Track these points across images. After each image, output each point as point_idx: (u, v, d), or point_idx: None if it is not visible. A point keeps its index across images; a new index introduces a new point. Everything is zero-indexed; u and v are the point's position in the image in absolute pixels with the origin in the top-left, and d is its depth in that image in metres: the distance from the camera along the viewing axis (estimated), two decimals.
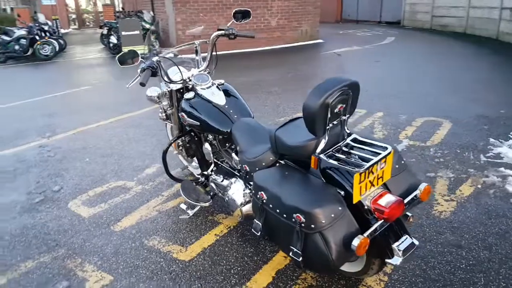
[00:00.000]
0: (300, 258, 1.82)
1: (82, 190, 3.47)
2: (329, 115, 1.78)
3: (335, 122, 1.85)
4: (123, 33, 11.29)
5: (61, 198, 3.34)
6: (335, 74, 8.35)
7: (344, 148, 1.90)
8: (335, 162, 1.80)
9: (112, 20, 14.76)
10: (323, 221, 1.73)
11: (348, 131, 1.95)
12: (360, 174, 1.72)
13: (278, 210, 1.88)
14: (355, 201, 1.77)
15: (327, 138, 1.85)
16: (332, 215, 1.74)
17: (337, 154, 1.86)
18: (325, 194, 1.83)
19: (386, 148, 1.82)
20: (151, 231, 2.80)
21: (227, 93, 2.78)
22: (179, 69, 2.83)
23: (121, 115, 5.70)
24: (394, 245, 1.86)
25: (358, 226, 1.79)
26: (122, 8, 16.64)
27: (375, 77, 7.56)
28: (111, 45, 12.29)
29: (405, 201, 1.86)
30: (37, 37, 12.22)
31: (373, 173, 1.78)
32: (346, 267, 2.20)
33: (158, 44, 12.26)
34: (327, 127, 1.82)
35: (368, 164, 1.72)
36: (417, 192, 1.91)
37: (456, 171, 3.46)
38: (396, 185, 1.94)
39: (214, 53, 2.94)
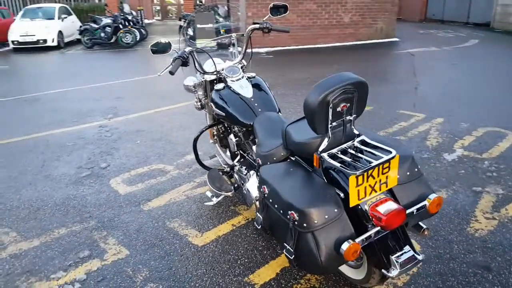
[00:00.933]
0: (292, 256, 1.79)
1: (125, 169, 3.71)
2: (330, 113, 1.72)
3: (339, 121, 1.78)
4: (198, 25, 11.75)
5: (105, 175, 3.61)
6: (404, 74, 8.01)
7: (350, 150, 1.83)
8: (335, 163, 1.74)
9: (191, 12, 15.44)
10: (316, 222, 1.68)
11: (357, 133, 1.86)
12: (357, 177, 1.64)
13: (276, 206, 1.87)
14: (351, 204, 1.70)
15: (330, 137, 1.79)
16: (326, 217, 1.69)
17: (340, 155, 1.79)
18: (322, 194, 1.78)
19: (390, 152, 1.71)
20: (175, 214, 2.92)
21: (257, 86, 2.79)
22: (212, 60, 2.90)
23: (178, 103, 5.96)
24: (393, 256, 1.75)
25: (353, 231, 1.71)
26: (201, 1, 17.27)
27: (447, 80, 7.05)
28: (187, 36, 12.85)
29: (409, 211, 1.75)
30: (120, 26, 13.18)
31: (373, 177, 1.69)
32: (350, 273, 2.12)
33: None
34: (329, 126, 1.76)
35: (365, 168, 1.63)
36: (424, 203, 1.78)
37: (508, 188, 3.12)
38: (404, 193, 1.82)
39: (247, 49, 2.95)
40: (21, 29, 12.79)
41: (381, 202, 1.72)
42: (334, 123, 1.77)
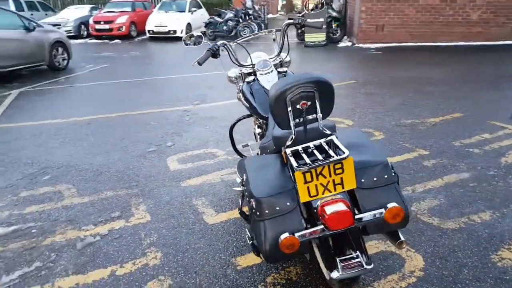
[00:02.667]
0: (250, 242, 1.89)
1: (184, 150, 4.12)
2: (289, 110, 1.75)
3: (302, 119, 1.79)
4: (308, 20, 11.80)
5: (166, 152, 4.07)
6: None
7: (313, 149, 1.83)
8: (291, 158, 1.77)
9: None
10: (267, 211, 1.75)
11: (328, 132, 1.84)
12: (304, 173, 1.66)
13: (246, 193, 1.98)
14: (302, 200, 1.72)
15: (294, 133, 1.82)
16: (277, 208, 1.75)
17: (301, 152, 1.81)
18: (281, 187, 1.83)
19: (344, 153, 1.68)
20: (204, 193, 3.19)
21: None
22: (248, 54, 3.06)
23: None
24: (338, 259, 1.73)
25: (304, 226, 1.74)
26: None
27: None
28: (299, 31, 13.05)
29: (362, 216, 1.69)
30: (240, 20, 14.00)
31: (324, 176, 1.69)
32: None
33: (339, 33, 12.35)
34: (292, 123, 1.79)
35: (310, 165, 1.64)
36: (381, 211, 1.70)
37: None
38: (365, 198, 1.77)
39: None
40: (156, 20, 14.57)
41: (332, 202, 1.71)
42: (297, 120, 1.80)
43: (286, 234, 1.67)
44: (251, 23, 14.09)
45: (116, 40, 14.93)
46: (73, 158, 3.98)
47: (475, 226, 2.64)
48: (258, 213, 1.77)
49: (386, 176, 1.79)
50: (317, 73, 1.77)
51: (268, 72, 2.91)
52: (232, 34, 14.12)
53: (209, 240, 2.58)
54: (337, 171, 1.68)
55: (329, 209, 1.67)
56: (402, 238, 1.96)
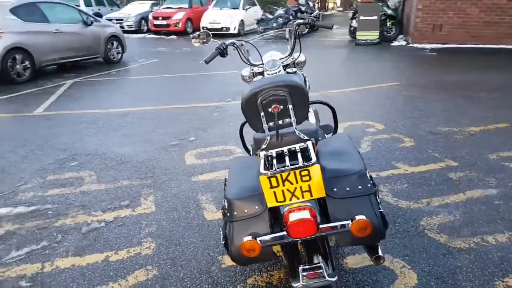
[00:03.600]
0: (223, 242, 1.91)
1: (204, 145, 4.21)
2: (261, 113, 1.73)
3: (276, 123, 1.76)
4: (360, 17, 11.49)
5: (187, 147, 4.18)
6: None
7: (286, 154, 1.79)
8: (261, 163, 1.76)
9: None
10: (235, 213, 1.76)
11: (305, 138, 1.80)
12: (269, 178, 1.64)
13: (224, 193, 2.00)
14: (268, 205, 1.71)
15: (268, 137, 1.80)
16: (245, 211, 1.75)
17: (274, 157, 1.79)
18: (252, 190, 1.82)
19: (310, 160, 1.63)
20: (211, 189, 3.25)
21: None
22: (259, 53, 3.04)
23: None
24: (300, 267, 1.69)
25: (269, 231, 1.72)
26: None
27: None
28: (351, 28, 12.71)
29: (325, 226, 1.64)
30: (291, 17, 13.92)
31: (291, 182, 1.65)
32: None
33: (394, 31, 11.86)
34: (265, 125, 1.77)
35: (274, 170, 1.62)
36: (347, 222, 1.64)
37: None
38: (336, 208, 1.70)
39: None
40: (210, 16, 14.90)
41: (297, 209, 1.67)
42: (271, 124, 1.77)
43: (248, 238, 1.67)
44: None
45: (172, 36, 15.47)
46: (102, 147, 4.21)
47: (486, 248, 2.44)
48: (228, 214, 1.78)
49: (360, 187, 1.72)
50: (290, 77, 1.73)
51: (275, 73, 2.88)
52: None
53: (203, 236, 2.62)
54: (304, 178, 1.64)
55: (292, 216, 1.64)
56: (380, 253, 1.87)
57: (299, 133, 1.79)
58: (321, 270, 1.66)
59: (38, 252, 2.50)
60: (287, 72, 2.90)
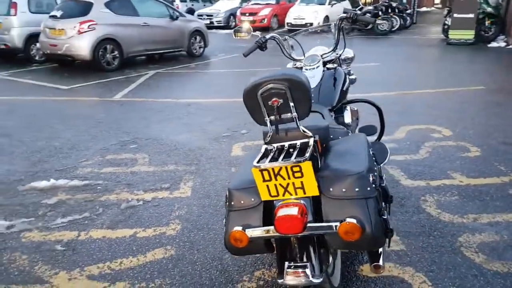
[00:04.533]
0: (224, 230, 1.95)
1: (253, 139, 4.26)
2: (262, 105, 1.72)
3: (276, 117, 1.74)
4: (454, 15, 10.59)
5: (237, 139, 4.28)
6: None
7: (286, 148, 1.76)
8: (258, 155, 1.75)
9: None
10: (232, 203, 1.79)
11: (309, 134, 1.75)
12: (261, 171, 1.63)
13: None
14: (262, 198, 1.70)
15: (271, 130, 1.78)
16: (242, 202, 1.77)
17: (274, 150, 1.77)
18: (251, 182, 1.82)
19: (303, 156, 1.59)
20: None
21: (329, 79, 2.74)
22: (301, 47, 3.01)
23: (370, 93, 5.94)
24: (286, 264, 1.66)
25: (262, 224, 1.72)
26: None
27: None
28: (445, 26, 11.77)
29: (313, 225, 1.59)
30: (380, 13, 13.31)
31: (283, 178, 1.62)
32: None
33: (493, 31, 10.72)
34: (266, 119, 1.76)
35: (266, 164, 1.60)
36: (335, 224, 1.57)
37: None
38: (330, 208, 1.64)
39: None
40: (295, 12, 14.90)
41: (288, 205, 1.64)
42: (272, 118, 1.75)
43: (238, 228, 1.68)
44: (393, 16, 13.27)
45: (257, 32, 15.75)
46: (161, 133, 4.50)
47: None
48: (227, 203, 1.81)
49: (357, 189, 1.63)
50: (292, 71, 1.69)
51: (313, 68, 2.82)
52: (369, 27, 13.50)
53: (220, 223, 2.69)
54: (296, 174, 1.60)
55: (281, 212, 1.62)
56: (381, 263, 1.77)
57: (302, 129, 1.75)
58: (306, 270, 1.62)
59: (78, 221, 2.77)
60: (327, 68, 2.82)
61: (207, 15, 17.91)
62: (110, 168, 3.62)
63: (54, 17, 8.12)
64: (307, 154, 1.60)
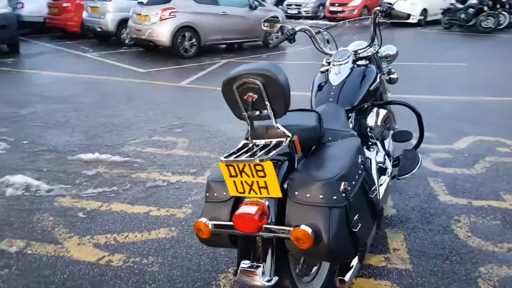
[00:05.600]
0: None
1: None
2: (239, 100, 1.68)
3: (256, 113, 1.69)
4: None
5: None
6: None
7: (260, 146, 1.71)
8: (232, 150, 1.72)
9: None
10: (207, 194, 1.81)
11: (287, 134, 1.68)
12: (227, 166, 1.62)
13: None
14: (230, 194, 1.69)
15: (249, 125, 1.74)
16: (215, 194, 1.78)
17: (251, 146, 1.73)
18: None
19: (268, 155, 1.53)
20: None
21: (357, 76, 2.58)
22: (334, 42, 2.88)
23: (444, 95, 5.47)
24: (242, 262, 1.63)
25: (229, 218, 1.71)
26: None
27: None
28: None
29: (268, 227, 1.53)
30: (485, 8, 11.98)
31: (248, 175, 1.59)
32: None
33: None
34: (244, 113, 1.71)
35: (231, 159, 1.57)
36: (288, 228, 1.50)
37: None
38: (292, 212, 1.58)
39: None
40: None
41: (250, 204, 1.61)
42: (249, 113, 1.71)
43: (202, 219, 1.69)
44: (502, 12, 11.86)
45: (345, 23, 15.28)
46: (209, 121, 4.63)
47: None
48: (204, 194, 1.83)
49: (321, 196, 1.54)
50: (267, 66, 1.62)
51: (341, 64, 2.67)
52: (471, 23, 12.26)
53: None
54: (259, 173, 1.56)
55: (240, 209, 1.59)
56: (346, 278, 1.66)
57: (278, 127, 1.68)
58: (257, 271, 1.58)
59: (106, 193, 3.00)
60: (357, 65, 2.66)
61: (296, 5, 17.81)
62: (151, 148, 3.84)
63: (141, 3, 8.74)
64: (270, 154, 1.55)
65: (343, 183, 1.60)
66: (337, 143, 1.93)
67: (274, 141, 1.68)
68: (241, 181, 1.60)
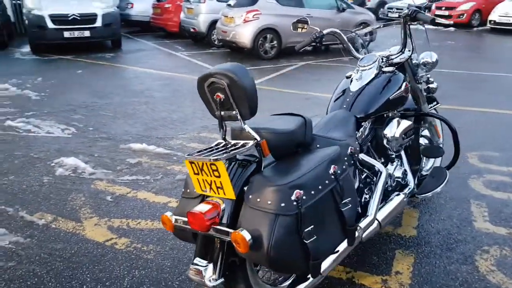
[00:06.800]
0: None
1: None
2: (210, 99, 1.70)
3: (218, 112, 1.70)
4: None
5: None
6: None
7: (231, 145, 1.71)
8: (205, 148, 1.74)
9: None
10: (183, 190, 1.88)
11: (254, 136, 1.66)
12: (191, 163, 1.66)
13: None
14: (196, 191, 1.73)
15: (222, 126, 1.75)
16: (188, 190, 1.84)
17: (222, 145, 1.75)
18: None
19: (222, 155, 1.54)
20: None
21: (380, 82, 2.42)
22: (364, 45, 2.73)
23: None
24: (194, 260, 1.66)
25: None
26: None
27: None
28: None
29: (216, 227, 1.54)
30: None
31: (206, 174, 1.61)
32: None
33: None
34: (216, 113, 1.73)
35: (193, 156, 1.60)
36: (231, 231, 1.50)
37: None
38: (243, 214, 1.57)
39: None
40: (503, 9, 12.62)
41: (207, 203, 1.63)
42: (222, 113, 1.72)
43: (167, 213, 1.76)
44: None
45: (450, 28, 14.03)
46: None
47: None
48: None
49: (269, 202, 1.52)
50: (233, 67, 1.61)
51: (365, 69, 2.51)
52: None
53: None
54: (215, 173, 1.58)
55: (196, 207, 1.62)
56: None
57: (245, 128, 1.68)
58: (203, 270, 1.61)
59: (138, 181, 3.24)
60: (383, 72, 2.48)
61: (397, 9, 16.88)
62: (195, 143, 4.02)
63: (229, 5, 9.12)
64: (225, 155, 1.55)
65: (296, 191, 1.54)
66: (316, 151, 1.84)
67: (241, 142, 1.68)
68: (203, 180, 1.63)
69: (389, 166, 2.43)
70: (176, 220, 1.72)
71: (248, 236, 1.47)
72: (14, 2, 12.24)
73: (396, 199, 2.29)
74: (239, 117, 1.65)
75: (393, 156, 2.46)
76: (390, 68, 2.49)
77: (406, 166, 2.53)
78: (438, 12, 14.85)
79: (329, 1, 9.35)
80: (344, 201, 1.73)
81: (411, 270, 2.19)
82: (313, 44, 2.84)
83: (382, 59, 2.60)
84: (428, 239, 2.46)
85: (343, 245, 1.78)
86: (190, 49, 10.13)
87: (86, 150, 3.82)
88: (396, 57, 2.60)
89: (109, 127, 4.48)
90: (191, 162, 1.63)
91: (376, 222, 2.11)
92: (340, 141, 2.05)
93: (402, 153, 2.55)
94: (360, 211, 2.07)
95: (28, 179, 3.24)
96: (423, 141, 2.92)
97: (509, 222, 2.60)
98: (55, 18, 8.82)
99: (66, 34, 8.96)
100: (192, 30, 10.47)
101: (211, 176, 1.59)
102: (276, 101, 5.51)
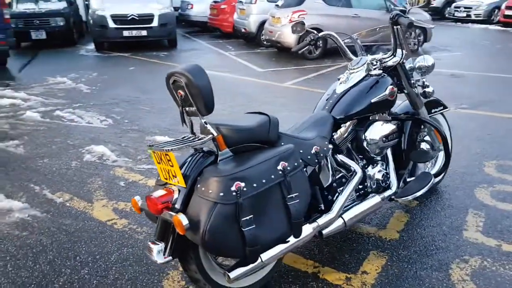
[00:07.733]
0: None
1: None
2: (175, 95, 1.88)
3: (180, 108, 1.86)
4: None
5: None
6: None
7: (195, 137, 1.88)
8: (171, 139, 1.92)
9: None
10: (157, 178, 2.09)
11: (211, 131, 1.81)
12: (154, 153, 1.85)
13: None
14: (161, 179, 1.92)
15: (184, 119, 1.92)
16: (159, 178, 2.02)
17: (187, 137, 1.91)
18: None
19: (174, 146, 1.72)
20: None
21: (368, 86, 2.46)
22: (360, 47, 2.77)
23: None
24: (153, 238, 1.86)
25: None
26: None
27: None
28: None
29: (167, 212, 1.72)
30: None
31: (164, 163, 1.80)
32: None
33: None
34: (180, 109, 1.90)
35: (153, 146, 1.78)
36: (173, 214, 1.67)
37: None
38: (191, 202, 1.73)
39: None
40: None
41: (164, 189, 1.81)
42: (186, 108, 1.88)
43: (137, 197, 1.97)
44: None
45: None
46: (283, 121, 4.76)
47: None
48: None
49: (210, 191, 1.67)
50: (190, 66, 1.77)
51: (353, 72, 2.56)
52: None
53: None
54: (170, 163, 1.76)
55: (155, 192, 1.79)
56: (231, 275, 1.75)
57: (204, 124, 1.83)
58: (154, 248, 1.79)
59: (152, 170, 3.52)
60: (370, 74, 2.52)
61: (465, 8, 15.94)
62: None
63: (277, 6, 9.25)
64: (177, 146, 1.73)
65: (236, 182, 1.67)
66: (270, 148, 1.95)
67: (200, 136, 1.85)
68: (164, 168, 1.82)
69: (370, 168, 2.45)
70: (142, 204, 1.92)
71: (185, 221, 1.63)
72: (86, 2, 13.35)
73: (370, 201, 2.32)
74: (198, 113, 1.80)
75: (375, 158, 2.48)
76: (378, 71, 2.51)
77: (391, 169, 2.52)
78: (507, 12, 13.88)
79: (379, 1, 9.13)
80: (291, 195, 1.83)
81: (379, 271, 2.21)
82: (310, 45, 2.90)
83: (375, 62, 2.62)
84: (408, 243, 2.44)
85: (292, 239, 1.88)
86: (239, 49, 10.41)
87: (116, 140, 4.20)
88: (388, 60, 2.61)
89: (142, 120, 4.85)
90: (154, 152, 1.81)
91: (341, 220, 2.17)
92: (306, 141, 2.13)
93: (389, 156, 2.55)
94: (323, 207, 2.15)
95: (59, 163, 3.66)
96: (424, 146, 2.88)
97: (503, 234, 2.49)
98: (115, 18, 9.56)
99: (125, 33, 9.68)
100: (243, 30, 10.75)
101: (167, 165, 1.77)
102: (302, 102, 5.57)
